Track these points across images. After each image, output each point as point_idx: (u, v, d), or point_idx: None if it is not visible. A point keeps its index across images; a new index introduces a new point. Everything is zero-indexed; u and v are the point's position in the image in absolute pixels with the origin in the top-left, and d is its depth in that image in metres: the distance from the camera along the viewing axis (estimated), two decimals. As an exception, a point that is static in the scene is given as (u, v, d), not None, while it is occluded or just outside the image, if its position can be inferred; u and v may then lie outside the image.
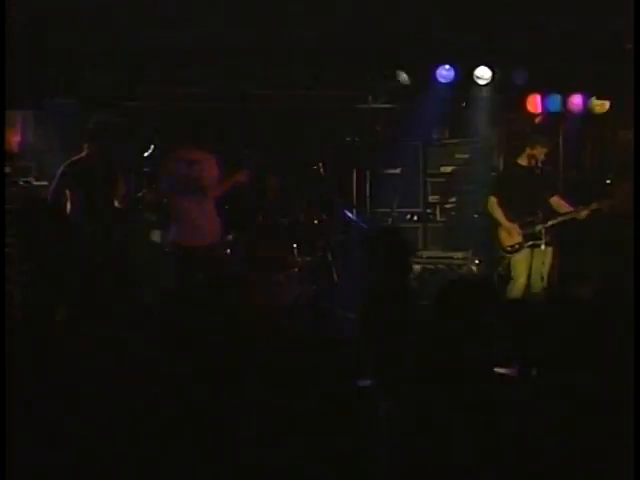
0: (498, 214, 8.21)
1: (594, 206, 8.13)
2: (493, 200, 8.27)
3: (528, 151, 8.18)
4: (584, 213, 8.13)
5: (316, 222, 8.45)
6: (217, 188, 7.59)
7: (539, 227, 8.00)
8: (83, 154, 7.30)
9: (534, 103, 8.92)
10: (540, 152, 8.15)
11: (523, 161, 8.25)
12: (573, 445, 2.94)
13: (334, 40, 8.80)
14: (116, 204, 7.45)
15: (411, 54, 8.84)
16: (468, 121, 9.49)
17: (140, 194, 7.65)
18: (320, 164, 8.81)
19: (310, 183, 8.98)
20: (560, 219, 8.11)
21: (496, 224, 8.26)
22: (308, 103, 9.52)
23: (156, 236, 8.52)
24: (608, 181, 9.30)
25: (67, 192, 7.22)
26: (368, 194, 9.26)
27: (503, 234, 8.20)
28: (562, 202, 8.24)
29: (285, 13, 8.26)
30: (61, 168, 7.33)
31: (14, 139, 8.50)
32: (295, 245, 8.23)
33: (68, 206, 7.25)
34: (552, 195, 8.24)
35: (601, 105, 8.57)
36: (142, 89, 8.30)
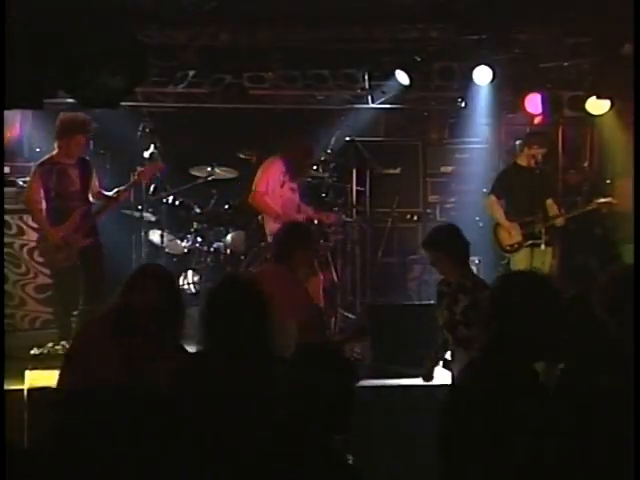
0: (498, 214, 8.22)
1: (572, 213, 8.22)
2: (493, 200, 8.28)
3: (526, 151, 8.20)
4: (560, 220, 8.17)
5: (316, 222, 8.44)
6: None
7: (539, 227, 8.00)
8: (54, 152, 7.27)
9: (534, 103, 8.89)
10: (538, 153, 8.15)
11: (522, 161, 8.26)
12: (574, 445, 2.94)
13: (334, 40, 8.80)
14: (91, 199, 7.42)
15: (411, 54, 8.83)
16: (468, 121, 9.48)
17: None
18: (320, 164, 8.80)
19: (310, 183, 8.98)
20: (550, 222, 8.14)
21: (496, 224, 8.26)
22: (308, 103, 9.52)
23: (156, 236, 8.52)
24: (608, 181, 9.30)
25: (42, 192, 7.20)
26: (368, 194, 9.24)
27: (503, 234, 8.20)
28: (554, 206, 8.27)
29: (285, 13, 8.26)
30: (33, 168, 7.32)
31: (14, 139, 8.49)
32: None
33: (43, 205, 7.22)
34: (548, 197, 8.26)
35: (600, 105, 8.55)
36: (141, 89, 8.32)
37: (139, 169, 7.73)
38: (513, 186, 8.19)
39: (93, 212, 7.38)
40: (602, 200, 8.15)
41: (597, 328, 3.29)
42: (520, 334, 2.96)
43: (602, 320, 3.30)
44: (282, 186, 7.89)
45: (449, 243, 5.42)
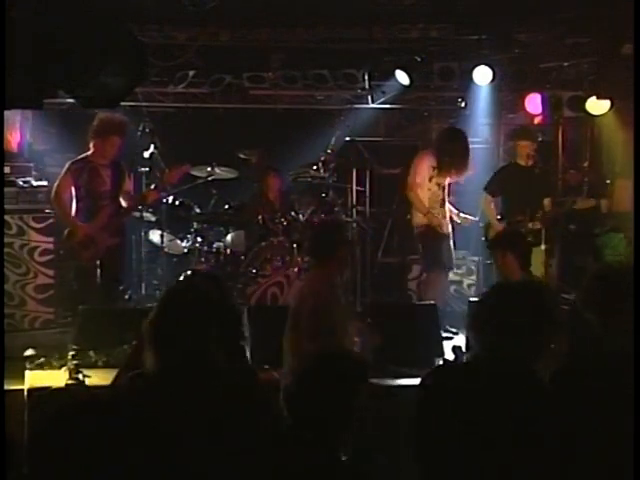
0: (489, 213, 8.25)
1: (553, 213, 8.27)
2: (487, 199, 8.30)
3: (517, 148, 8.26)
4: (545, 216, 8.21)
5: (316, 222, 8.44)
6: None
7: (530, 225, 7.99)
8: (89, 152, 7.29)
9: (534, 103, 8.90)
10: (527, 147, 8.17)
11: (521, 160, 8.27)
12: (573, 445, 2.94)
13: (334, 40, 8.81)
14: (122, 203, 7.44)
15: (411, 54, 8.84)
16: (468, 121, 9.48)
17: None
18: (320, 164, 8.80)
19: (310, 183, 8.98)
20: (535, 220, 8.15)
21: (487, 223, 8.29)
22: (308, 103, 9.52)
23: (156, 236, 8.51)
24: (608, 181, 9.31)
25: (72, 190, 7.22)
26: (368, 194, 9.24)
27: (492, 233, 8.18)
28: (551, 205, 8.28)
29: (285, 13, 8.27)
30: (66, 165, 7.33)
31: (14, 139, 8.49)
32: (295, 245, 8.23)
33: (73, 205, 7.25)
34: (546, 196, 8.28)
35: (600, 105, 8.55)
36: (141, 89, 8.32)
37: (167, 171, 7.76)
38: (510, 185, 8.19)
39: (121, 212, 7.41)
40: (582, 203, 8.36)
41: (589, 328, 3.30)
42: (513, 340, 2.97)
43: (587, 318, 3.30)
44: (430, 180, 7.97)
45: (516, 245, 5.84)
